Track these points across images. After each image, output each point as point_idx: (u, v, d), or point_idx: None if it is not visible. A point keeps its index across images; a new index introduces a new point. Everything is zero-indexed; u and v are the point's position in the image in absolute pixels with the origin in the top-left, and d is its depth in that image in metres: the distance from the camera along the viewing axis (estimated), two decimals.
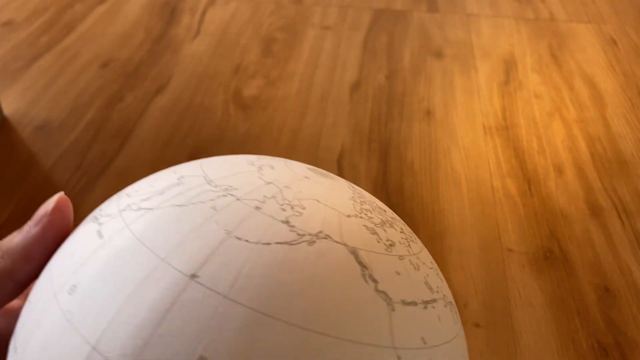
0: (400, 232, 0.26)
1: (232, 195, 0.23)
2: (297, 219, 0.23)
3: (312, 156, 0.86)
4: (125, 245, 0.21)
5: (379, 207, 0.27)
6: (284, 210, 0.23)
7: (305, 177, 0.26)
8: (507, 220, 0.75)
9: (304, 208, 0.24)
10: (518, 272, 0.68)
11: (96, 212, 0.25)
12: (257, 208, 0.23)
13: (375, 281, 0.22)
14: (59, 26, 1.17)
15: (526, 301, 0.65)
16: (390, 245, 0.25)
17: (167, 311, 0.20)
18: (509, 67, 1.07)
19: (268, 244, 0.21)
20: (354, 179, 0.82)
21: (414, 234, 0.28)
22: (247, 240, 0.21)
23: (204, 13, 1.23)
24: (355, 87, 1.01)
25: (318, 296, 0.21)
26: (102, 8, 1.24)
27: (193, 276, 0.20)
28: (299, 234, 0.22)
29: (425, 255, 0.25)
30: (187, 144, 0.88)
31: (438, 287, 0.24)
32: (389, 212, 0.28)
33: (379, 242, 0.24)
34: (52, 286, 0.22)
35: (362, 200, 0.27)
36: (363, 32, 1.17)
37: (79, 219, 0.74)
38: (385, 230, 0.25)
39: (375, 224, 0.25)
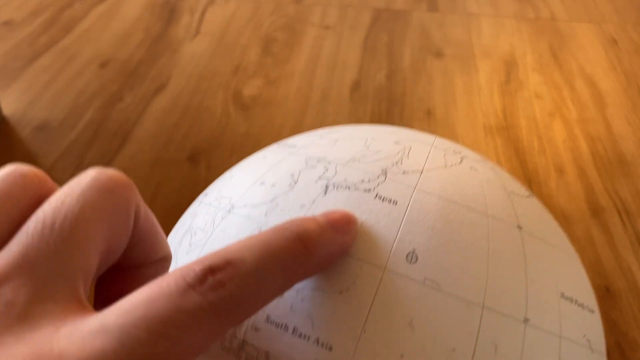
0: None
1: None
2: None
3: None
4: None
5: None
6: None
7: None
8: None
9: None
10: None
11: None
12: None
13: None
14: (58, 26, 1.17)
15: None
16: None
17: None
18: (510, 66, 1.07)
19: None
20: None
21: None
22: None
23: (203, 13, 1.23)
24: (355, 86, 1.01)
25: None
26: (101, 8, 1.24)
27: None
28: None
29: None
30: (187, 144, 0.87)
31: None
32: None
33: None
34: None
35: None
36: (363, 31, 1.17)
37: None
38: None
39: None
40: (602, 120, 0.94)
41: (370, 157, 0.24)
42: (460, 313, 0.19)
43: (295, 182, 0.24)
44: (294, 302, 0.20)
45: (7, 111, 0.94)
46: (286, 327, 0.20)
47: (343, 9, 1.25)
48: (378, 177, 0.23)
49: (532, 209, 0.25)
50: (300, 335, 0.20)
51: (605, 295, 0.66)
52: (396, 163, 0.24)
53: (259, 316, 0.21)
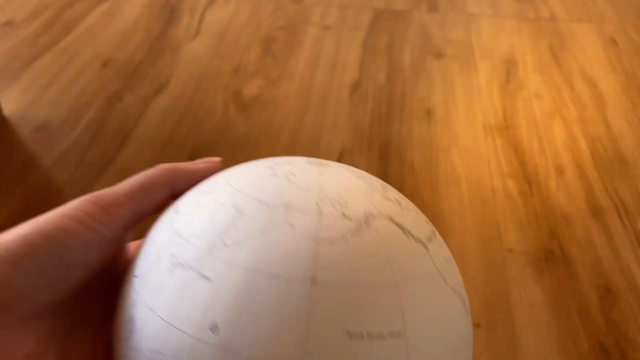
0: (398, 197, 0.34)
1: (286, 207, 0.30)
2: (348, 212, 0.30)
3: (312, 156, 0.86)
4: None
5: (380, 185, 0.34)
6: (335, 207, 0.30)
7: (320, 174, 0.32)
8: (508, 220, 0.75)
9: (346, 202, 0.31)
10: (519, 272, 0.68)
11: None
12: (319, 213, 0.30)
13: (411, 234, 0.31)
14: (58, 26, 1.17)
15: (527, 301, 0.65)
16: (405, 206, 0.32)
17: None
18: (510, 67, 1.07)
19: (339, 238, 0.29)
20: None
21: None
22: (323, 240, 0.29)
23: (203, 13, 1.23)
24: (355, 86, 1.01)
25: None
26: (101, 8, 1.24)
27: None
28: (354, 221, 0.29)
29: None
30: (187, 144, 0.87)
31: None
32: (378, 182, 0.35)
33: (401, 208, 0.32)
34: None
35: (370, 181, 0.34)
36: (363, 31, 1.17)
37: None
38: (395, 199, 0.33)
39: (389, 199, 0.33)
40: (601, 120, 0.94)
41: (210, 230, 0.29)
42: None
43: (159, 258, 0.29)
44: None
45: (7, 111, 0.94)
46: None
47: (343, 10, 1.25)
48: (205, 253, 0.28)
49: (343, 252, 0.28)
50: None
51: (605, 295, 0.66)
52: (222, 237, 0.28)
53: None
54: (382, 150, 0.87)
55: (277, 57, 1.08)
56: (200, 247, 0.28)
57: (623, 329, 0.62)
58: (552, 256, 0.70)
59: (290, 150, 0.87)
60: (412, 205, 0.33)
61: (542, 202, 0.78)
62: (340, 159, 0.85)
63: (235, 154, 0.86)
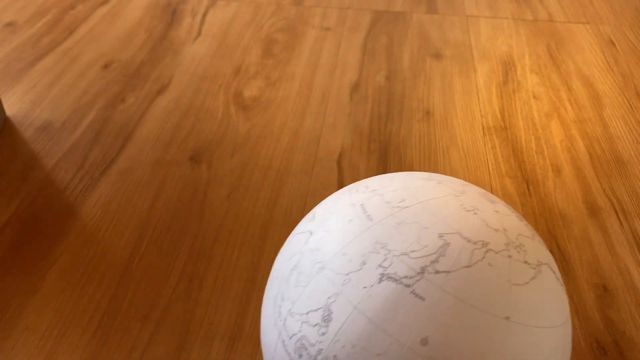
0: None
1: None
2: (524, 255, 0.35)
3: (312, 156, 0.86)
4: None
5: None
6: (518, 252, 0.34)
7: (495, 211, 0.37)
8: None
9: (524, 247, 0.35)
10: None
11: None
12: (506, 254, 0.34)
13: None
14: (60, 27, 1.18)
15: None
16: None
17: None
18: (508, 68, 1.08)
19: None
20: (354, 179, 0.83)
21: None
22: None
23: (205, 14, 1.24)
24: (355, 87, 1.02)
25: None
26: (103, 9, 1.24)
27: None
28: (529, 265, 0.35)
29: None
30: (188, 144, 0.88)
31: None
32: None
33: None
34: None
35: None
36: (363, 33, 1.18)
37: (79, 219, 0.75)
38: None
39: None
40: (599, 121, 0.95)
41: (418, 252, 0.33)
42: None
43: (364, 264, 0.33)
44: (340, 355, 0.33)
45: (10, 112, 0.94)
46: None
47: (343, 11, 1.26)
48: (417, 274, 0.32)
49: (527, 296, 0.33)
50: None
51: (603, 294, 0.66)
52: (432, 262, 0.32)
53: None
54: (381, 150, 0.88)
55: (278, 58, 1.09)
56: (411, 267, 0.32)
57: (621, 328, 0.63)
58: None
59: (291, 150, 0.88)
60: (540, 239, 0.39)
61: (540, 201, 0.79)
62: (340, 159, 0.86)
63: (236, 154, 0.86)
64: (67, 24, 1.19)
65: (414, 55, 1.11)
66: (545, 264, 0.35)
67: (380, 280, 0.32)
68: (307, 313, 0.34)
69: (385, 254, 0.33)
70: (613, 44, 1.15)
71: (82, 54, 1.10)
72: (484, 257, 0.32)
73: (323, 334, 0.33)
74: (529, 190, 0.81)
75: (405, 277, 0.32)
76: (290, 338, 0.34)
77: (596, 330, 0.62)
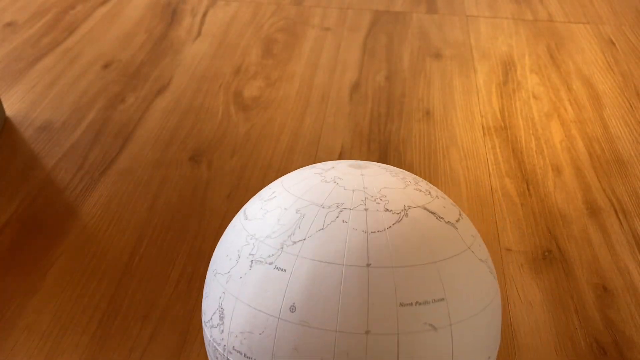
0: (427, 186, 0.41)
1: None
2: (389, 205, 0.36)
3: (312, 156, 0.86)
4: None
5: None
6: (378, 203, 0.36)
7: (361, 175, 0.38)
8: (506, 220, 0.76)
9: (386, 198, 0.36)
10: (516, 271, 0.69)
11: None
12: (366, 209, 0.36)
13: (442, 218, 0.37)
14: (60, 27, 1.18)
15: (525, 300, 0.65)
16: (435, 196, 0.39)
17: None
18: (508, 68, 1.08)
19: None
20: None
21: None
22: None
23: (204, 14, 1.24)
24: (355, 87, 1.02)
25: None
26: (103, 9, 1.25)
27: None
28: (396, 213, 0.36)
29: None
30: (188, 144, 0.88)
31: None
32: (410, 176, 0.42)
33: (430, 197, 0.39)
34: None
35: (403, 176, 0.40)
36: (363, 33, 1.18)
37: (79, 219, 0.75)
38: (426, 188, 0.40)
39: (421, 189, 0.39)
40: (599, 121, 0.95)
41: (278, 231, 0.36)
42: (322, 337, 0.32)
43: (239, 257, 0.36)
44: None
45: (10, 112, 0.94)
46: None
47: (343, 11, 1.26)
48: (277, 250, 0.35)
49: (388, 240, 0.35)
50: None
51: (603, 294, 0.66)
52: (289, 236, 0.35)
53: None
54: (381, 150, 0.88)
55: (278, 58, 1.09)
56: (273, 246, 0.34)
57: (620, 328, 0.63)
58: (549, 255, 0.71)
59: (291, 150, 0.88)
60: (440, 193, 0.40)
61: (540, 201, 0.79)
62: (339, 159, 0.86)
63: (236, 154, 0.86)
64: (67, 24, 1.19)
65: (414, 55, 1.11)
66: (415, 207, 0.37)
67: (251, 266, 0.35)
68: (210, 318, 0.37)
69: (253, 243, 0.36)
70: (613, 44, 1.15)
71: (82, 54, 1.10)
72: (337, 217, 0.35)
73: (222, 331, 0.36)
74: (529, 190, 0.81)
75: (269, 255, 0.34)
76: (208, 345, 0.38)
77: (596, 330, 0.62)
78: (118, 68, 1.06)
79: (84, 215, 0.75)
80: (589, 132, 0.92)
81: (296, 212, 0.36)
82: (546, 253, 0.71)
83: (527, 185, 0.82)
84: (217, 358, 0.37)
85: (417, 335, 0.33)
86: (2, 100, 0.97)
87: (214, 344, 0.36)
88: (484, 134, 0.91)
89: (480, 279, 0.37)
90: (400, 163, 0.85)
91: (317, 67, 1.07)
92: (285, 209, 0.36)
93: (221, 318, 0.35)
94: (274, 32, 1.17)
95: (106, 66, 1.06)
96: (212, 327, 0.37)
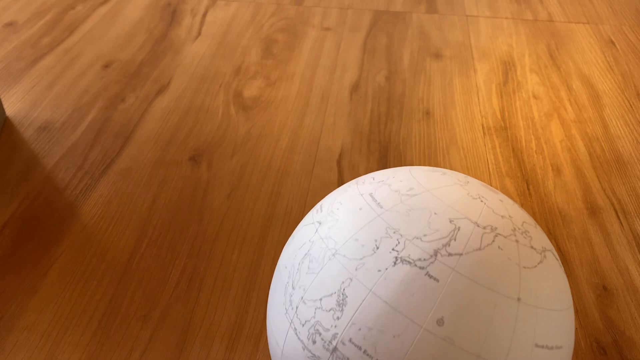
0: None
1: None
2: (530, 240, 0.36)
3: (312, 156, 0.86)
4: None
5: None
6: (525, 237, 0.36)
7: (500, 201, 0.39)
8: None
9: (529, 233, 0.36)
10: None
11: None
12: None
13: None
14: (60, 27, 1.18)
15: None
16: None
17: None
18: (508, 67, 1.08)
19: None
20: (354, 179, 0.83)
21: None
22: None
23: (205, 14, 1.24)
24: (355, 87, 1.02)
25: None
26: (103, 9, 1.25)
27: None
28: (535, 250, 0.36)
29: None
30: (189, 145, 0.88)
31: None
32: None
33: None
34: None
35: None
36: (363, 33, 1.18)
37: (79, 219, 0.75)
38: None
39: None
40: (599, 121, 0.95)
41: (430, 236, 0.34)
42: (462, 358, 0.31)
43: (377, 248, 0.34)
44: (358, 337, 0.33)
45: (10, 112, 0.94)
46: (360, 348, 0.33)
47: (343, 11, 1.26)
48: (430, 257, 0.33)
49: (536, 279, 0.35)
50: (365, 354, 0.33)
51: (603, 293, 0.66)
52: (444, 245, 0.34)
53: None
54: (381, 150, 0.88)
55: (278, 58, 1.09)
56: (424, 250, 0.33)
57: (620, 328, 0.63)
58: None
59: (291, 150, 0.88)
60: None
61: (540, 201, 0.79)
62: (340, 159, 0.86)
63: (236, 154, 0.87)
64: (67, 24, 1.19)
65: (414, 55, 1.11)
66: (549, 250, 0.37)
67: (395, 263, 0.33)
68: (320, 299, 0.34)
69: (397, 239, 0.33)
70: (613, 44, 1.15)
71: (82, 54, 1.10)
72: (493, 241, 0.34)
73: (338, 318, 0.33)
74: (529, 190, 0.81)
75: (419, 259, 0.33)
76: (304, 325, 0.35)
77: (596, 330, 0.62)
78: (118, 68, 1.06)
79: (84, 215, 0.75)
80: (589, 132, 0.92)
81: (450, 222, 0.34)
82: None
83: (527, 185, 0.82)
84: (314, 342, 0.34)
85: None
86: (2, 100, 0.97)
87: (318, 327, 0.34)
88: (484, 134, 0.91)
89: (573, 329, 0.38)
90: (400, 163, 0.85)
91: (317, 67, 1.07)
92: (436, 213, 0.35)
93: (340, 304, 0.33)
94: (274, 32, 1.17)
95: (106, 66, 1.06)
96: (320, 308, 0.34)
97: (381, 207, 0.36)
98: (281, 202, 0.78)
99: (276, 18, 1.23)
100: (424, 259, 0.33)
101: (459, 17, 1.24)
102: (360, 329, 0.32)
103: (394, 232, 0.34)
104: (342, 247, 0.35)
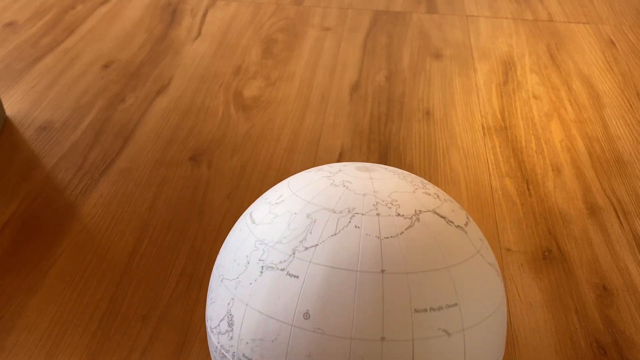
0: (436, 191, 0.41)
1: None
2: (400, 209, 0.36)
3: (312, 156, 0.86)
4: None
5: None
6: (390, 207, 0.35)
7: (370, 179, 0.38)
8: (506, 220, 0.76)
9: (397, 202, 0.36)
10: (516, 271, 0.69)
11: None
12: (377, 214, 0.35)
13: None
14: (61, 27, 1.18)
15: (525, 300, 0.65)
16: (444, 200, 0.39)
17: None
18: (508, 67, 1.08)
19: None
20: None
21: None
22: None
23: (204, 14, 1.24)
24: (355, 87, 1.02)
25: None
26: (103, 9, 1.25)
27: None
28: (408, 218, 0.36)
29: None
30: (189, 145, 0.88)
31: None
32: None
33: (438, 200, 0.38)
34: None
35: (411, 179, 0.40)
36: (363, 33, 1.18)
37: (79, 219, 0.75)
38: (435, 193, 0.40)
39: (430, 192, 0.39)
40: (599, 121, 0.95)
41: (289, 236, 0.35)
42: (337, 344, 0.32)
43: (248, 263, 0.36)
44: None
45: (10, 112, 0.94)
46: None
47: (343, 11, 1.26)
48: (289, 256, 0.34)
49: (402, 245, 0.34)
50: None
51: (603, 293, 0.66)
52: (301, 242, 0.34)
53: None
54: (381, 150, 0.88)
55: (278, 58, 1.09)
56: (284, 252, 0.34)
57: (620, 328, 0.63)
58: (549, 255, 0.71)
59: (291, 150, 0.88)
60: (447, 196, 0.40)
61: (540, 201, 0.79)
62: (340, 159, 0.86)
63: (236, 154, 0.87)
64: (67, 24, 1.19)
65: (414, 55, 1.11)
66: (427, 211, 0.37)
67: (262, 272, 0.34)
68: (218, 325, 0.36)
69: (263, 249, 0.35)
70: (613, 44, 1.15)
71: (82, 54, 1.10)
72: (350, 222, 0.34)
73: (231, 337, 0.35)
74: (529, 190, 0.81)
75: (280, 262, 0.34)
76: (215, 351, 0.37)
77: (596, 330, 0.62)
78: (118, 68, 1.06)
79: (84, 215, 0.75)
80: (589, 132, 0.92)
81: (307, 217, 0.35)
82: (546, 253, 0.71)
83: (527, 185, 0.82)
84: None
85: (432, 341, 0.33)
86: (2, 100, 0.97)
87: (222, 351, 0.36)
88: (484, 134, 0.91)
89: (489, 282, 0.37)
90: (400, 163, 0.85)
91: (317, 67, 1.07)
92: (295, 213, 0.36)
93: (230, 325, 0.35)
94: (274, 32, 1.17)
95: (106, 66, 1.06)
96: (219, 333, 0.36)
97: (254, 223, 0.37)
98: None
99: (276, 18, 1.23)
100: (284, 260, 0.34)
101: (459, 17, 1.24)
102: (247, 343, 0.34)
103: (260, 243, 0.35)
104: (226, 271, 0.37)
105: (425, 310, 0.33)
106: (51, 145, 0.88)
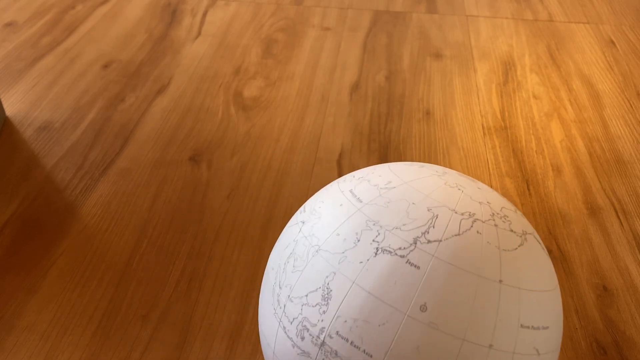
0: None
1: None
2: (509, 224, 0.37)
3: (312, 156, 0.86)
4: None
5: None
6: (504, 222, 0.36)
7: (478, 189, 0.39)
8: None
9: (508, 218, 0.37)
10: None
11: None
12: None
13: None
14: (60, 27, 1.18)
15: None
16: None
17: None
18: (508, 67, 1.08)
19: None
20: None
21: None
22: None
23: (204, 14, 1.24)
24: (355, 87, 1.02)
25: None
26: (103, 9, 1.25)
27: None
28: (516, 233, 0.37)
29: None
30: (188, 144, 0.88)
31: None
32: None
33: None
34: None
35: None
36: (363, 33, 1.18)
37: (79, 219, 0.75)
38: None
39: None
40: (599, 121, 0.95)
41: (409, 225, 0.35)
42: (448, 342, 0.32)
43: (358, 241, 0.35)
44: (344, 329, 0.34)
45: (9, 112, 0.94)
46: (347, 340, 0.33)
47: (343, 11, 1.26)
48: (410, 245, 0.34)
49: (517, 261, 0.35)
50: (354, 346, 0.33)
51: (603, 294, 0.66)
52: (423, 233, 0.34)
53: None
54: (381, 150, 0.88)
55: (278, 58, 1.09)
56: (404, 239, 0.34)
57: (621, 328, 0.63)
58: (550, 255, 0.71)
59: (291, 150, 0.88)
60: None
61: (540, 201, 0.79)
62: (340, 159, 0.86)
63: (236, 154, 0.87)
64: (67, 24, 1.19)
65: (414, 55, 1.11)
66: (530, 233, 0.38)
67: (376, 254, 0.33)
68: (306, 295, 0.35)
69: (377, 230, 0.34)
70: (613, 44, 1.15)
71: (82, 54, 1.10)
72: (472, 226, 0.35)
73: (324, 312, 0.34)
74: (529, 190, 0.81)
75: (399, 248, 0.33)
76: (292, 322, 0.35)
77: (596, 330, 0.62)
78: (118, 68, 1.06)
79: (84, 215, 0.75)
80: (589, 132, 0.92)
81: (428, 210, 0.35)
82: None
83: (527, 185, 0.82)
84: (302, 338, 0.34)
85: (526, 357, 0.33)
86: (2, 100, 0.97)
87: (305, 324, 0.34)
88: (484, 134, 0.91)
89: (560, 310, 0.38)
90: None
91: (317, 67, 1.07)
92: (414, 203, 0.35)
93: (325, 299, 0.34)
94: (274, 32, 1.17)
95: (106, 66, 1.06)
96: (305, 304, 0.35)
97: (361, 202, 0.37)
98: (281, 202, 0.78)
99: (276, 18, 1.23)
100: (404, 248, 0.33)
101: (459, 17, 1.24)
102: (346, 321, 0.33)
103: (374, 224, 0.35)
104: (324, 242, 0.36)
105: (529, 327, 0.34)
106: (51, 145, 0.88)
